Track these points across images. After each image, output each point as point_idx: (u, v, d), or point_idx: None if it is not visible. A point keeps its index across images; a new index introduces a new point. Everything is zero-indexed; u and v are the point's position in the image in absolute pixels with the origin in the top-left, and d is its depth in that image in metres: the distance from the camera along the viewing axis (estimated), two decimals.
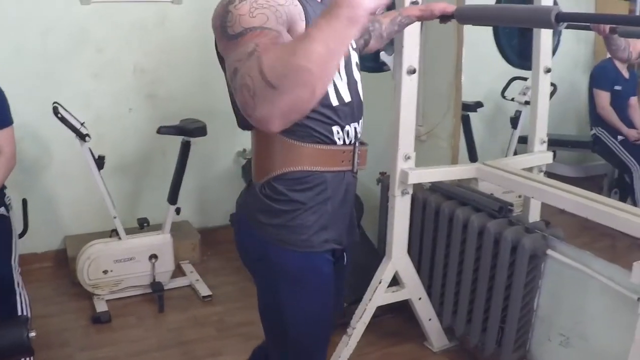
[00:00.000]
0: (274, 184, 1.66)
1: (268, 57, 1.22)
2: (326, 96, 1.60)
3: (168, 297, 3.76)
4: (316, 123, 1.62)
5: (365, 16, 1.21)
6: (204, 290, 3.84)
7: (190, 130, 3.67)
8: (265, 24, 1.39)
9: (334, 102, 1.63)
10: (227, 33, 1.41)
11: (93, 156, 3.51)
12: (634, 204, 4.48)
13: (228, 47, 1.40)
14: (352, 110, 1.68)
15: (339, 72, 1.63)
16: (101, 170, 3.56)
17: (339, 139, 1.66)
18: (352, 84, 1.68)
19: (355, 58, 1.73)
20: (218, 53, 1.56)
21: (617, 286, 2.43)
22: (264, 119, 1.22)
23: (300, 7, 1.53)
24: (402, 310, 3.32)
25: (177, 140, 3.74)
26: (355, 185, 1.80)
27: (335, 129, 1.65)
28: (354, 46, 1.74)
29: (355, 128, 1.71)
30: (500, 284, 2.84)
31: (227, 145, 4.55)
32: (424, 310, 3.19)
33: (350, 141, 1.70)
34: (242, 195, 1.83)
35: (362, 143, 1.75)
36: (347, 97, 1.66)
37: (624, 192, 4.91)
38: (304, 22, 1.52)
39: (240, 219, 1.81)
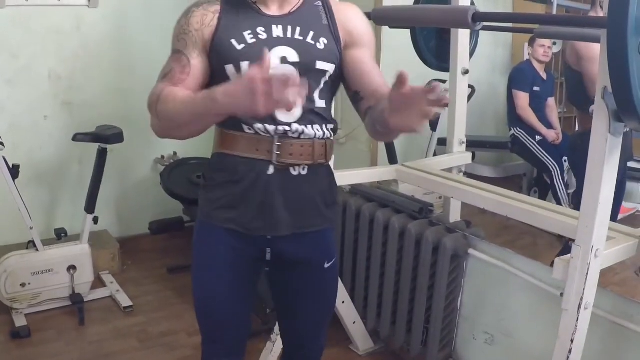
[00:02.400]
0: (208, 165, 1.90)
1: (162, 100, 1.63)
2: None
3: (88, 309, 3.67)
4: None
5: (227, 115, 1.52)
6: (125, 300, 3.76)
7: (106, 137, 3.61)
8: (184, 49, 1.74)
9: None
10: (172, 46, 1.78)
11: (7, 165, 3.39)
12: (558, 202, 4.58)
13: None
14: (257, 118, 1.72)
15: None
16: (16, 180, 3.44)
17: (249, 129, 1.74)
18: None
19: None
20: None
21: (540, 283, 2.48)
22: (152, 127, 1.74)
23: (215, 21, 1.73)
24: None
25: (94, 147, 3.67)
26: (293, 180, 1.80)
27: (242, 124, 1.74)
28: (295, 61, 1.74)
29: (276, 127, 1.73)
30: (423, 285, 2.86)
31: (144, 152, 4.50)
32: (348, 313, 3.19)
33: (269, 134, 1.74)
34: None
35: (299, 138, 1.77)
36: None
37: (543, 191, 5.02)
38: (211, 36, 1.73)
39: None
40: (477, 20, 2.11)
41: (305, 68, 1.71)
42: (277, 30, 1.73)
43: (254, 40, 1.70)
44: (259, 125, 1.72)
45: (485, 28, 2.46)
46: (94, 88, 4.17)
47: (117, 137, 3.64)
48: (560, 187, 4.75)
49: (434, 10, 2.66)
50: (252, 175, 1.77)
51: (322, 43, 1.76)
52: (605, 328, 2.26)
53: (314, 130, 1.77)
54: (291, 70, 1.64)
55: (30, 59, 3.96)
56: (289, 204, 1.80)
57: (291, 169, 1.78)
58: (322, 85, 1.77)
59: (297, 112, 1.73)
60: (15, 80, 3.94)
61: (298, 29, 1.75)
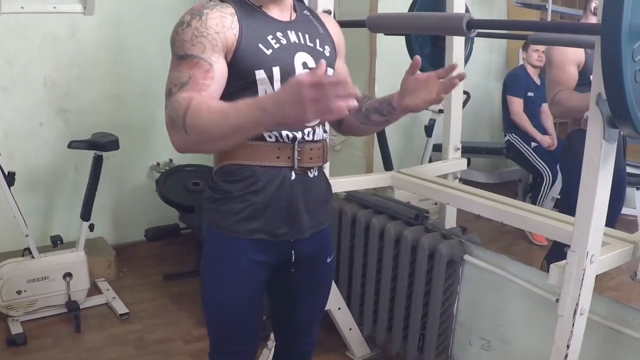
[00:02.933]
0: (215, 176, 1.84)
1: (193, 110, 1.51)
2: None
3: (84, 316, 3.65)
4: None
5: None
6: (121, 308, 3.75)
7: (102, 145, 3.60)
8: (202, 53, 1.63)
9: None
10: (174, 51, 1.68)
11: (3, 172, 3.38)
12: (533, 203, 4.60)
13: (172, 63, 1.67)
14: None
15: (273, 88, 1.72)
16: (11, 187, 3.44)
17: (269, 136, 1.75)
18: None
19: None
20: None
21: (535, 288, 2.48)
22: (173, 142, 1.59)
23: (237, 29, 1.68)
24: (322, 321, 3.29)
25: (90, 155, 3.67)
26: (310, 183, 1.86)
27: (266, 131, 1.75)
28: (313, 66, 1.75)
29: (296, 133, 1.78)
30: (419, 291, 2.87)
31: (140, 159, 4.49)
32: (344, 320, 3.19)
33: (289, 140, 1.77)
34: None
35: (314, 141, 1.82)
36: None
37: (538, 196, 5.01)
38: (236, 42, 1.68)
39: None
40: (471, 27, 2.12)
41: None
42: (292, 36, 1.77)
43: (278, 45, 1.73)
44: (284, 132, 1.75)
45: (479, 35, 2.47)
46: (90, 95, 4.16)
47: (112, 144, 3.63)
48: (545, 193, 4.77)
49: (429, 17, 2.67)
50: (276, 183, 1.79)
51: (327, 51, 1.83)
52: (601, 333, 2.26)
53: (321, 131, 1.84)
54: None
55: (25, 66, 3.95)
56: (308, 206, 1.86)
57: (309, 172, 1.84)
58: None
59: None
60: (10, 87, 3.93)
61: (307, 35, 1.80)
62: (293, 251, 1.90)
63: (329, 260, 2.03)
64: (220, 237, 1.86)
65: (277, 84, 1.71)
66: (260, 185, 1.78)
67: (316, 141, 1.82)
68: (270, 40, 1.72)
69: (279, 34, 1.74)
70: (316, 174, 1.87)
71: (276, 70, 1.70)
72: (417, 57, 1.57)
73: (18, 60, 3.92)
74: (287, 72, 1.70)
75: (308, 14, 1.87)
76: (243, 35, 1.69)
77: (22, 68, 3.94)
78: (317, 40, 1.81)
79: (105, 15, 4.08)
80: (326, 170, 2.00)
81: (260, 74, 1.69)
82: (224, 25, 1.67)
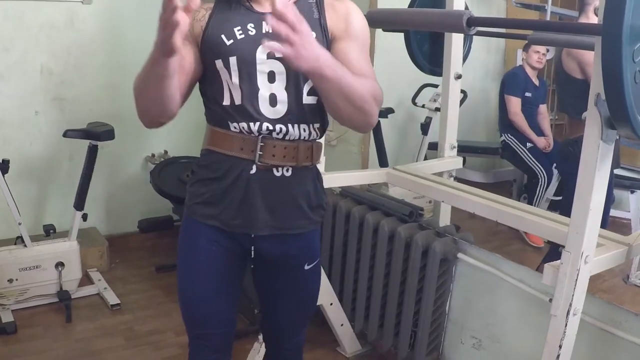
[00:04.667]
0: (197, 160, 1.92)
1: (135, 80, 1.65)
2: (220, 96, 1.78)
3: (75, 306, 3.66)
4: (214, 112, 1.82)
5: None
6: (112, 298, 3.75)
7: (97, 134, 3.60)
8: None
9: (226, 102, 1.78)
10: None
11: None
12: (530, 203, 4.60)
13: None
14: (245, 112, 1.76)
15: (232, 82, 1.75)
16: (5, 175, 3.43)
17: (234, 127, 1.78)
18: (251, 92, 1.75)
19: (280, 71, 1.75)
20: None
21: (528, 288, 2.48)
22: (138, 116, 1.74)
23: (206, 18, 1.78)
24: (314, 317, 3.29)
25: (84, 144, 3.67)
26: (275, 181, 1.82)
27: (228, 120, 1.78)
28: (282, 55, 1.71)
29: (260, 125, 1.75)
30: (412, 288, 2.86)
31: (135, 150, 4.49)
32: (336, 315, 3.19)
33: (254, 134, 1.77)
34: None
35: (284, 139, 1.78)
36: (237, 101, 1.76)
37: (533, 197, 5.02)
38: (202, 34, 1.76)
39: None
40: (471, 24, 2.11)
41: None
42: (266, 26, 1.73)
43: (242, 36, 1.73)
44: (243, 124, 1.75)
45: (479, 33, 2.46)
46: (86, 84, 4.16)
47: (108, 134, 3.63)
48: (540, 194, 4.78)
49: (429, 13, 2.66)
50: (234, 174, 1.79)
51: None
52: (593, 334, 2.26)
53: (299, 131, 1.80)
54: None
55: (22, 54, 3.94)
56: (269, 204, 1.83)
57: (274, 170, 1.80)
58: (311, 82, 1.74)
59: (282, 109, 1.77)
60: (6, 75, 3.92)
61: None
62: (253, 247, 1.89)
63: (307, 267, 1.99)
64: (185, 218, 1.93)
65: (234, 73, 1.73)
66: (220, 172, 1.81)
67: (288, 140, 1.79)
68: (236, 32, 1.73)
69: (249, 25, 1.74)
70: (287, 173, 1.82)
71: (233, 60, 1.72)
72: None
73: (15, 47, 3.91)
74: (246, 61, 1.72)
75: (312, 0, 1.82)
76: (209, 27, 1.76)
77: (19, 55, 3.93)
78: None
79: (103, 4, 4.08)
80: (326, 178, 1.96)
81: (219, 64, 1.74)
82: (194, 17, 1.76)
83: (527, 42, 4.69)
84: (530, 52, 5.03)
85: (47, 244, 3.66)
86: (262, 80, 1.74)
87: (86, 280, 3.96)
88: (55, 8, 3.97)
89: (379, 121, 4.08)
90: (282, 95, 1.76)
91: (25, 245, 3.57)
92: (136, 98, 1.67)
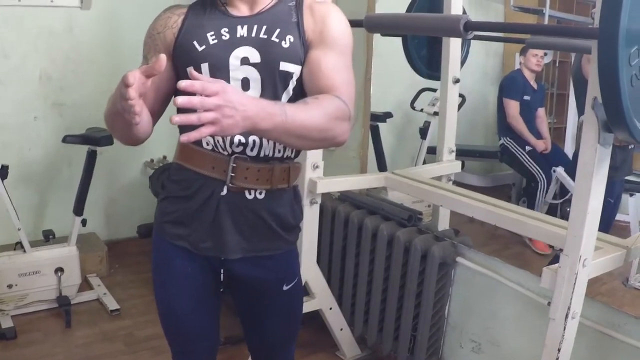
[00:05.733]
0: (168, 172, 1.86)
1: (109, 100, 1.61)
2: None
3: (75, 311, 3.65)
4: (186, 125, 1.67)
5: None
6: (111, 304, 3.75)
7: (96, 139, 3.60)
8: (148, 54, 1.76)
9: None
10: None
11: None
12: (532, 208, 4.59)
13: None
14: None
15: None
16: (4, 181, 3.43)
17: (207, 143, 1.70)
18: None
19: (254, 77, 1.68)
20: None
21: (527, 291, 2.48)
22: None
23: (179, 24, 1.71)
24: (313, 321, 3.30)
25: (83, 149, 3.67)
26: (247, 204, 1.75)
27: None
28: (256, 61, 1.66)
29: (232, 138, 1.67)
30: (411, 292, 2.86)
31: (134, 155, 4.48)
32: (335, 320, 3.19)
33: (227, 152, 1.69)
34: None
35: (258, 161, 1.71)
36: None
37: (532, 201, 5.02)
38: (174, 40, 1.70)
39: None
40: (468, 29, 2.11)
41: (268, 69, 1.66)
42: (241, 31, 1.67)
43: (215, 41, 1.66)
44: (217, 138, 1.68)
45: (476, 37, 2.47)
46: (85, 90, 4.16)
47: (106, 139, 3.62)
48: (540, 197, 4.77)
49: (426, 18, 2.67)
50: (205, 194, 1.72)
51: (287, 41, 1.67)
52: (592, 337, 2.27)
53: (274, 144, 1.71)
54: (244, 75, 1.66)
55: (21, 59, 3.95)
56: (240, 227, 1.75)
57: (246, 192, 1.73)
58: (290, 90, 1.70)
59: None
60: (5, 81, 3.92)
61: (264, 27, 1.67)
62: (222, 270, 1.84)
63: (286, 287, 1.91)
64: (156, 235, 1.86)
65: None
66: (191, 191, 1.74)
67: (262, 159, 1.71)
68: (209, 37, 1.66)
69: (223, 30, 1.67)
70: (260, 196, 1.74)
71: (205, 67, 1.64)
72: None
73: (14, 53, 3.92)
74: (218, 68, 1.65)
75: (293, 3, 1.74)
76: (181, 34, 1.69)
77: (18, 61, 3.94)
78: (277, 31, 1.67)
79: (101, 10, 4.07)
80: (325, 183, 1.92)
81: (190, 71, 1.54)
82: (166, 25, 1.72)
83: (524, 45, 4.69)
84: (528, 55, 5.02)
85: (47, 249, 3.66)
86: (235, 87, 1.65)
87: (86, 285, 3.96)
88: (54, 14, 3.96)
89: (377, 125, 4.09)
90: None
91: (24, 251, 3.57)
92: (107, 127, 1.68)
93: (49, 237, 3.69)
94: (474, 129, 6.06)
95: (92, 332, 3.51)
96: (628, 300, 3.73)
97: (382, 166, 4.42)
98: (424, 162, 4.56)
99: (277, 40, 1.67)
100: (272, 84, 1.67)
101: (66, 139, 3.58)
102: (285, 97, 1.69)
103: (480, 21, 2.60)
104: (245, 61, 1.66)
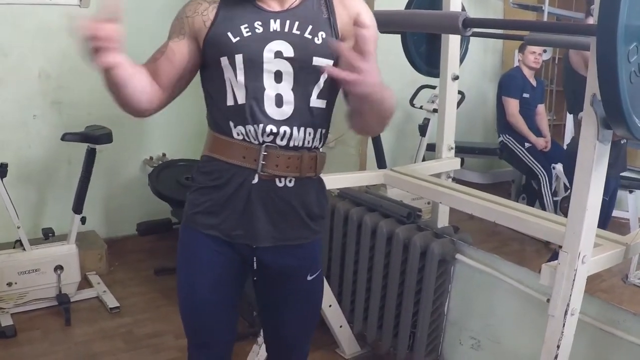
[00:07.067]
0: (197, 165, 1.88)
1: None
2: (223, 96, 1.74)
3: (75, 309, 3.65)
4: (217, 115, 1.78)
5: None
6: (111, 301, 3.75)
7: (95, 137, 3.60)
8: (172, 35, 1.78)
9: (229, 102, 1.74)
10: None
11: None
12: (543, 208, 4.60)
13: None
14: (249, 113, 1.72)
15: (236, 80, 1.72)
16: (4, 179, 3.43)
17: (237, 134, 1.74)
18: (256, 92, 1.71)
19: (287, 71, 1.72)
20: None
21: (527, 288, 2.48)
22: None
23: (212, 16, 1.73)
24: None
25: (83, 147, 3.67)
26: (277, 192, 1.79)
27: (231, 123, 1.74)
28: (290, 55, 1.71)
29: (264, 127, 1.71)
30: (411, 289, 2.86)
31: (133, 153, 4.50)
32: (335, 317, 3.19)
33: (257, 141, 1.73)
34: None
35: (288, 149, 1.75)
36: (240, 100, 1.72)
37: (532, 198, 5.03)
38: (207, 30, 1.73)
39: None
40: (467, 25, 2.12)
41: (302, 64, 1.71)
42: (274, 25, 1.72)
43: (249, 33, 1.70)
44: (247, 127, 1.72)
45: (475, 34, 2.46)
46: (84, 88, 4.14)
47: (106, 137, 3.63)
48: (547, 195, 4.77)
49: (425, 15, 2.66)
50: (236, 183, 1.76)
51: (320, 37, 1.73)
52: (592, 334, 2.27)
53: (304, 134, 1.76)
54: None
55: (20, 58, 3.95)
56: (270, 215, 1.79)
57: (277, 180, 1.77)
58: (321, 84, 1.75)
59: (288, 110, 1.72)
60: (4, 79, 3.92)
61: (297, 23, 1.72)
62: (255, 258, 1.86)
63: (310, 277, 1.95)
64: (184, 226, 1.90)
65: (239, 71, 1.70)
66: (222, 181, 1.78)
67: (292, 149, 1.76)
68: (243, 29, 1.70)
69: (257, 23, 1.71)
70: (290, 184, 1.79)
71: (239, 58, 1.69)
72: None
73: (12, 51, 3.92)
74: (252, 60, 1.69)
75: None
76: (215, 24, 1.73)
77: (17, 60, 3.94)
78: (310, 27, 1.73)
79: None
80: (324, 180, 1.95)
81: (224, 61, 1.70)
82: (195, 10, 1.75)
83: (522, 42, 4.69)
84: (526, 53, 5.03)
85: (46, 247, 3.65)
86: (268, 79, 1.71)
87: (85, 283, 3.96)
88: (52, 12, 3.95)
89: None
90: (289, 96, 1.72)
91: (24, 249, 3.56)
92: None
93: (48, 235, 3.69)
94: (474, 126, 6.07)
95: (91, 330, 3.50)
96: (628, 297, 3.74)
97: (381, 163, 4.43)
98: (424, 159, 4.57)
99: (310, 36, 1.72)
100: (305, 77, 1.73)
101: (65, 137, 3.58)
102: (316, 89, 1.75)
103: (478, 18, 2.59)
104: (278, 55, 1.71)
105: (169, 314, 3.64)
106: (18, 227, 3.51)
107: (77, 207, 3.70)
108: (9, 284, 3.51)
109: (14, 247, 3.62)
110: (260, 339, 2.92)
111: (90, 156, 3.67)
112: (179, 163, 4.37)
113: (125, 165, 4.51)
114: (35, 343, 3.35)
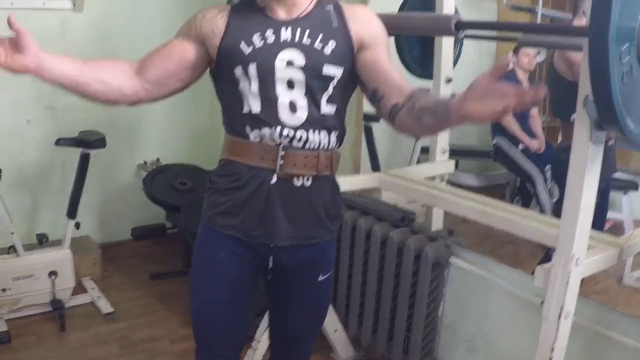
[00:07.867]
0: (215, 168, 1.92)
1: None
2: (239, 104, 1.78)
3: (69, 315, 3.65)
4: (233, 121, 1.82)
5: None
6: (106, 307, 3.74)
7: (89, 142, 3.60)
8: (178, 35, 1.84)
9: (245, 110, 1.78)
10: None
11: None
12: (542, 210, 4.60)
13: None
14: (265, 119, 1.76)
15: (250, 90, 1.76)
16: None
17: (255, 137, 1.78)
18: (270, 100, 1.75)
19: (298, 79, 1.76)
20: None
21: (521, 291, 2.48)
22: None
23: (222, 25, 1.77)
24: None
25: (77, 152, 3.66)
26: (295, 191, 1.83)
27: (248, 128, 1.78)
28: (301, 64, 1.75)
29: (281, 131, 1.76)
30: (405, 293, 2.86)
31: (127, 158, 4.48)
32: (330, 321, 3.18)
33: (274, 143, 1.77)
34: None
35: (305, 149, 1.79)
36: (255, 109, 1.76)
37: (526, 200, 5.03)
38: (218, 40, 1.77)
39: None
40: (460, 28, 2.12)
41: (312, 72, 1.74)
42: (285, 34, 1.75)
43: (262, 43, 1.74)
44: (264, 130, 1.75)
45: (469, 36, 2.47)
46: None
47: (99, 142, 3.63)
48: (544, 196, 4.77)
49: (417, 17, 2.67)
50: (255, 183, 1.79)
51: (330, 47, 1.76)
52: (586, 337, 2.27)
53: (319, 137, 1.80)
54: None
55: None
56: (290, 215, 1.83)
57: (294, 180, 1.81)
58: (330, 91, 1.78)
59: (302, 115, 1.76)
60: None
61: (307, 32, 1.76)
62: (272, 257, 1.89)
63: (321, 278, 1.99)
64: (203, 226, 1.94)
65: (253, 80, 1.74)
66: (241, 182, 1.81)
67: (308, 149, 1.79)
68: (255, 39, 1.74)
69: (268, 32, 1.75)
70: (307, 183, 1.83)
71: (252, 67, 1.73)
72: (508, 59, 1.51)
73: None
74: (265, 68, 1.73)
75: (330, 9, 1.82)
76: (227, 33, 1.77)
77: None
78: (320, 37, 1.76)
79: (94, 13, 4.07)
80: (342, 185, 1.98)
81: (238, 71, 1.74)
82: (205, 17, 1.80)
83: (516, 44, 4.69)
84: (520, 55, 5.02)
85: (40, 253, 3.64)
86: (281, 87, 1.75)
87: (80, 288, 3.94)
88: (46, 16, 3.95)
89: (370, 126, 4.10)
90: (302, 102, 1.76)
91: (18, 255, 3.56)
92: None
93: (42, 241, 3.68)
94: (467, 128, 6.05)
95: (86, 335, 3.50)
96: (623, 299, 3.75)
97: (375, 166, 4.42)
98: (418, 162, 4.56)
99: (320, 45, 1.76)
100: (315, 85, 1.77)
101: (59, 142, 3.58)
102: (325, 96, 1.79)
103: (471, 20, 2.60)
104: (290, 64, 1.74)
105: (164, 319, 3.64)
106: (12, 233, 3.50)
107: (71, 212, 3.69)
108: (3, 290, 3.50)
109: (7, 253, 3.61)
110: (255, 343, 2.92)
111: (84, 161, 3.66)
112: (173, 168, 4.37)
113: (119, 170, 4.49)
114: (30, 349, 3.34)
